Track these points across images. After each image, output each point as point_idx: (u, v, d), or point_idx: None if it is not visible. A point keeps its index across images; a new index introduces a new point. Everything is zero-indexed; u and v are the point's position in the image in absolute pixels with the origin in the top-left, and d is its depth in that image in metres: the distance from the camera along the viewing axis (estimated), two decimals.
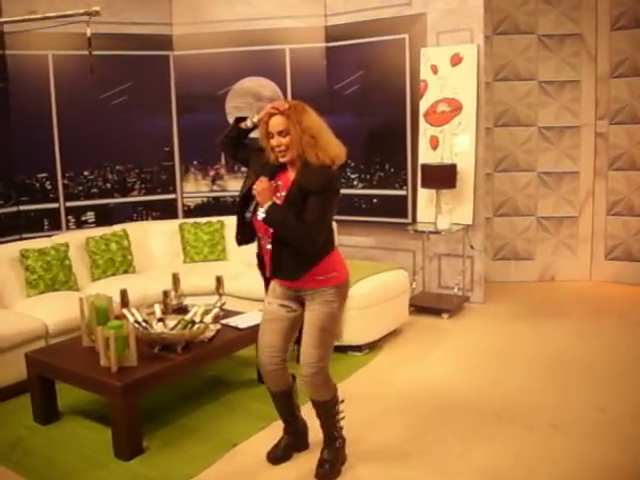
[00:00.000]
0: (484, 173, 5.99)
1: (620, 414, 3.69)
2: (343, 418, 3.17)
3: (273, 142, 2.87)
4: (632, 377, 4.24)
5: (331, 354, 3.06)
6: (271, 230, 2.84)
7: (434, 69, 5.89)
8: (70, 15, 3.68)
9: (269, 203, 2.79)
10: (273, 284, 3.10)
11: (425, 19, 5.93)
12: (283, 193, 2.86)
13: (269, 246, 2.90)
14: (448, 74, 5.82)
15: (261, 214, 2.81)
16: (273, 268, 2.93)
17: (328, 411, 3.10)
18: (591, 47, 6.45)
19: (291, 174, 2.90)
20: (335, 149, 2.86)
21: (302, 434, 3.34)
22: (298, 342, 4.67)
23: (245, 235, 3.04)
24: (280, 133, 2.84)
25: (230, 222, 5.90)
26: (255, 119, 2.98)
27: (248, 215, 2.91)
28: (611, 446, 3.34)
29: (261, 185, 2.81)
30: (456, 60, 5.78)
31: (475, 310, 5.85)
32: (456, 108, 5.81)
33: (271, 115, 2.87)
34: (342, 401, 3.16)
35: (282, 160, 2.88)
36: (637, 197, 6.49)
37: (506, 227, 6.81)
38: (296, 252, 2.85)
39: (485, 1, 5.68)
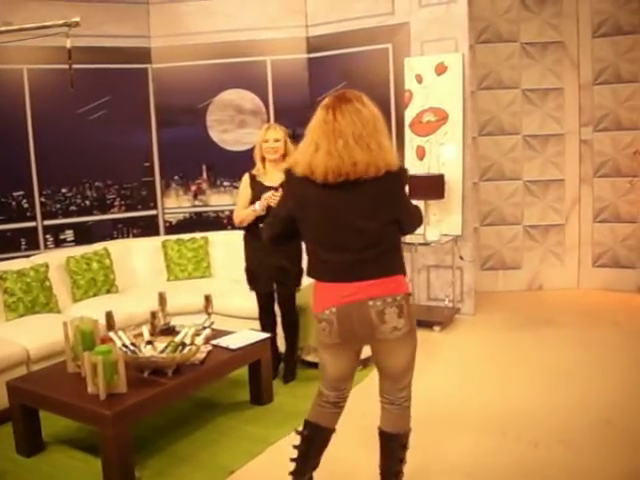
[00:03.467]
0: (472, 183, 5.92)
1: (626, 425, 3.61)
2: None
3: None
4: (633, 386, 4.16)
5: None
6: None
7: (419, 79, 5.82)
8: (49, 26, 3.53)
9: None
10: None
11: (409, 28, 5.87)
12: None
13: None
14: (433, 83, 5.75)
15: None
16: None
17: None
18: (573, 54, 6.44)
19: None
20: None
21: None
22: (279, 359, 4.59)
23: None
24: None
25: (214, 238, 5.81)
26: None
27: None
28: (621, 459, 3.24)
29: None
30: (441, 69, 5.72)
31: (466, 322, 5.76)
32: (442, 118, 5.74)
33: None
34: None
35: None
36: (623, 204, 6.48)
37: (493, 237, 6.75)
38: None
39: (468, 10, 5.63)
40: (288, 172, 2.59)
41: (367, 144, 2.41)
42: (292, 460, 2.83)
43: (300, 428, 2.86)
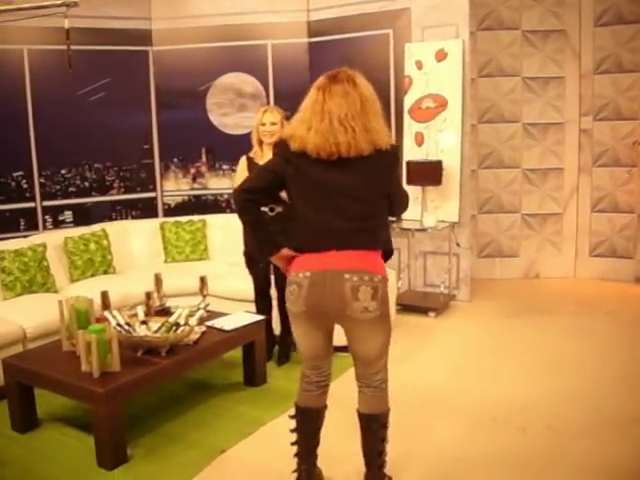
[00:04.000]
0: (470, 170, 5.94)
1: (615, 412, 3.64)
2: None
3: None
4: (624, 375, 4.20)
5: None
6: None
7: (419, 65, 5.81)
8: (47, 6, 3.53)
9: None
10: None
11: (409, 14, 5.85)
12: None
13: None
14: (433, 70, 5.75)
15: None
16: None
17: None
18: (575, 43, 6.42)
19: None
20: None
21: None
22: (274, 342, 4.62)
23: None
24: None
25: (212, 220, 5.84)
26: None
27: None
28: (608, 446, 3.28)
29: None
30: (441, 56, 5.71)
31: (462, 308, 5.79)
32: (441, 104, 5.74)
33: None
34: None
35: None
36: (621, 194, 6.48)
37: (491, 224, 6.76)
38: None
39: None
40: (283, 142, 2.60)
41: (351, 126, 2.46)
42: (293, 444, 2.86)
43: (292, 412, 2.88)
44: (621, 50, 6.27)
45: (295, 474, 2.84)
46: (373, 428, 2.75)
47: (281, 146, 2.62)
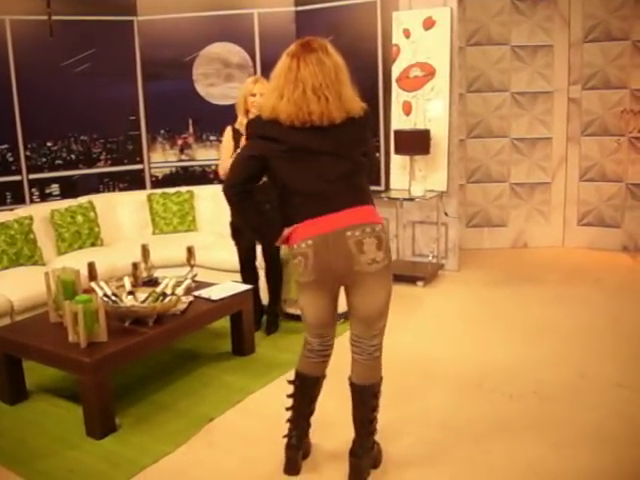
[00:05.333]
0: (458, 139, 5.92)
1: (599, 378, 3.69)
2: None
3: None
4: (609, 342, 4.24)
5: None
6: None
7: (406, 33, 5.76)
8: None
9: None
10: None
11: None
12: None
13: None
14: (421, 38, 5.70)
15: None
16: None
17: None
18: (564, 11, 6.36)
19: None
20: None
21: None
22: (262, 311, 4.64)
23: None
24: None
25: (199, 192, 5.81)
26: None
27: None
28: (593, 411, 3.32)
29: None
30: (429, 24, 5.66)
31: (450, 277, 5.81)
32: (429, 73, 5.70)
33: None
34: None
35: None
36: (610, 163, 6.48)
37: (479, 194, 6.76)
38: None
39: None
40: (256, 119, 2.61)
41: (325, 95, 2.46)
42: (288, 409, 2.87)
43: (291, 377, 2.89)
44: (610, 18, 6.22)
45: (286, 439, 2.87)
46: (365, 398, 2.75)
47: (254, 125, 2.62)
